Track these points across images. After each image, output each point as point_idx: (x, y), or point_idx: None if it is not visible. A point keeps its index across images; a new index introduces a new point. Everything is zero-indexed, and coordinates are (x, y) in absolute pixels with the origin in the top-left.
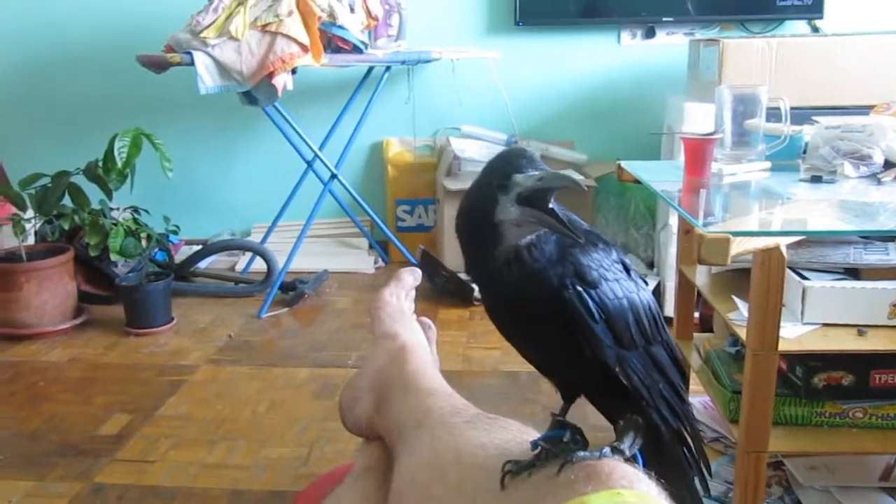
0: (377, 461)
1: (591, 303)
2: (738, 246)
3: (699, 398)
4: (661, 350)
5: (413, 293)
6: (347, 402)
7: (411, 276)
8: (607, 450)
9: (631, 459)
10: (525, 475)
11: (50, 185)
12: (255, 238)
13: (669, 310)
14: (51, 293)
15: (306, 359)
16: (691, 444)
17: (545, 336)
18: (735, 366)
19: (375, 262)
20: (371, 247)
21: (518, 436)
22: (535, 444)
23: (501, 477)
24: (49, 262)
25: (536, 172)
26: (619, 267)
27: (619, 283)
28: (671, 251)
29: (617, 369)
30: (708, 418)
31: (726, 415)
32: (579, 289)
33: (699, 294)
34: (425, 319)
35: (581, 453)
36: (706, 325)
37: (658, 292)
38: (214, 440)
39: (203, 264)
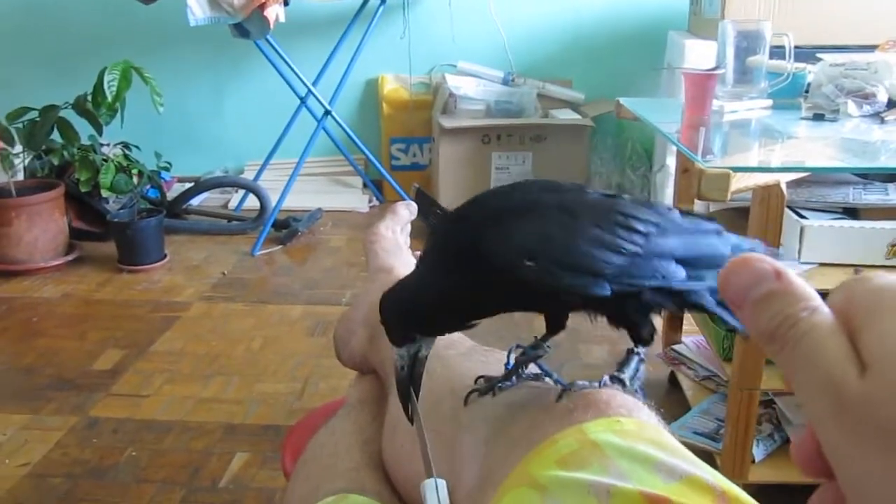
0: (371, 394)
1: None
2: (738, 182)
3: (692, 338)
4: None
5: (408, 227)
6: (342, 336)
7: (406, 210)
8: (606, 378)
9: (631, 390)
10: (521, 406)
11: (38, 119)
12: (248, 176)
13: None
14: (42, 229)
15: (300, 296)
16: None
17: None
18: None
19: (370, 201)
20: (365, 185)
21: None
22: (506, 366)
23: (466, 395)
24: (39, 197)
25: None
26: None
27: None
28: (668, 192)
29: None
30: (701, 357)
31: (720, 353)
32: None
33: None
34: (420, 254)
35: (580, 382)
36: None
37: None
38: (209, 375)
39: (195, 202)
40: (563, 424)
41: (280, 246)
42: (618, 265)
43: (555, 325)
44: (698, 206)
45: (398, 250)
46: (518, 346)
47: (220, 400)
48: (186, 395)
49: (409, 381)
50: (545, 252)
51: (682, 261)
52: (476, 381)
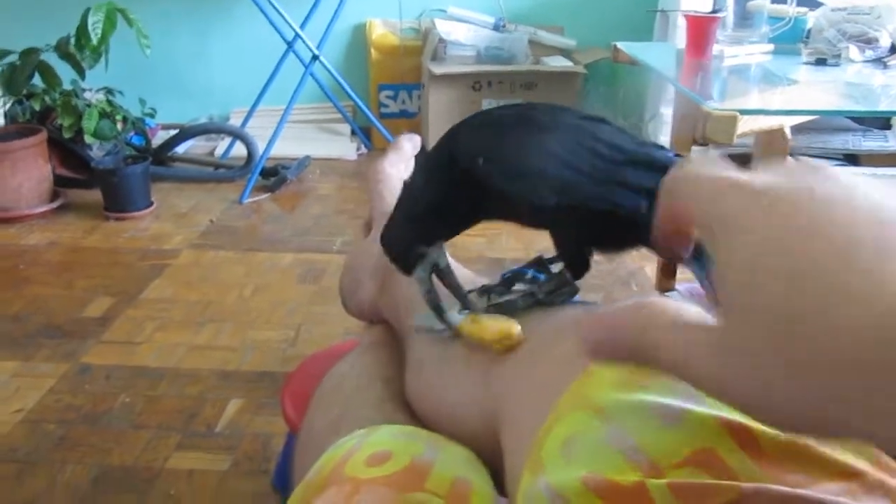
0: (384, 339)
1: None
2: (744, 125)
3: (686, 285)
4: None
5: (411, 163)
6: (348, 287)
7: (410, 144)
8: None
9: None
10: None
11: (18, 62)
12: (234, 123)
13: None
14: (25, 175)
15: (290, 244)
16: None
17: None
18: None
19: (358, 149)
20: (353, 133)
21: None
22: (502, 275)
23: (464, 298)
24: (21, 143)
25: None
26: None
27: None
28: (662, 140)
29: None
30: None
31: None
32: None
33: None
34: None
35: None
36: None
37: None
38: (201, 322)
39: (181, 149)
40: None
41: (268, 194)
42: (566, 179)
43: (562, 252)
44: (697, 151)
45: None
46: (517, 270)
47: (213, 347)
48: (179, 342)
49: (439, 300)
50: (500, 153)
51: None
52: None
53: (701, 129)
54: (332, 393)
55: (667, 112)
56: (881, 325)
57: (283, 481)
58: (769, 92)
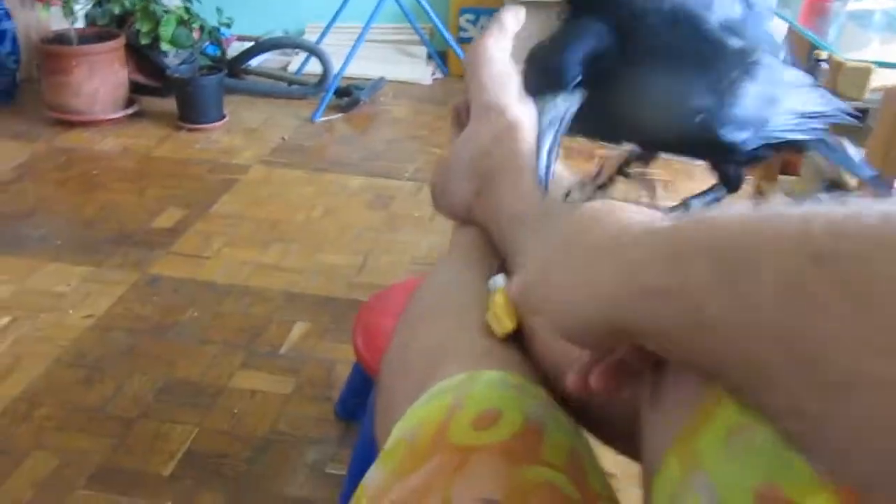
0: (478, 241)
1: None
2: (876, 79)
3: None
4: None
5: (511, 42)
6: (441, 185)
7: (514, 19)
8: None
9: None
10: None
11: None
12: (310, 38)
13: None
14: (102, 80)
15: (360, 167)
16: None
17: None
18: None
19: (433, 73)
20: (430, 56)
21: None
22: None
23: (565, 195)
24: (100, 46)
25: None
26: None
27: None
28: None
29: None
30: None
31: None
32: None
33: None
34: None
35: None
36: (785, 170)
37: None
38: (268, 241)
39: (255, 62)
40: None
41: (341, 114)
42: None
43: (646, 158)
44: None
45: (508, 79)
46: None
47: (280, 267)
48: (246, 260)
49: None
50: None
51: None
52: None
53: (831, 80)
54: (436, 309)
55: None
56: None
57: (347, 410)
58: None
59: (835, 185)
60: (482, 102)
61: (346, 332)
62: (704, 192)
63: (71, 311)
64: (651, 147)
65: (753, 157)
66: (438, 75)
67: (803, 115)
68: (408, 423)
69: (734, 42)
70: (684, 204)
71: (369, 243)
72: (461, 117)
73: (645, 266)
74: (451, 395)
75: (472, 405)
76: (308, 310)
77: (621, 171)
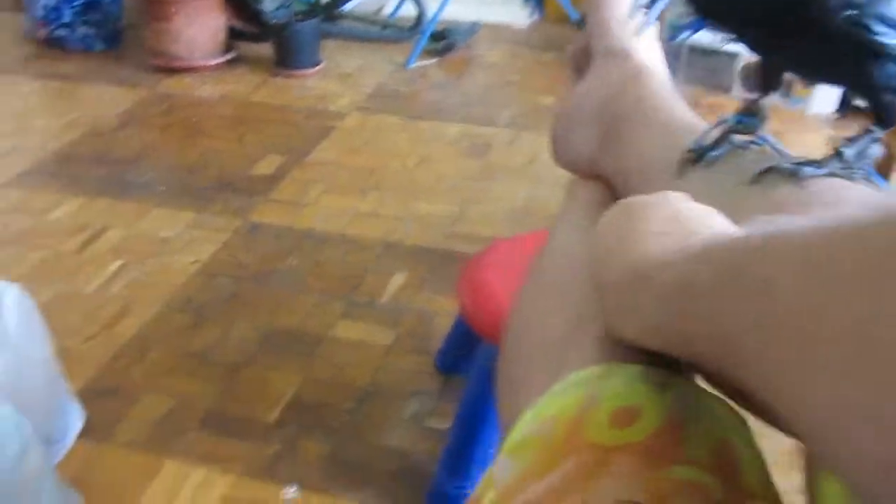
0: (602, 198)
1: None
2: None
3: None
4: None
5: None
6: (561, 134)
7: None
8: (833, 161)
9: (854, 170)
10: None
11: None
12: None
13: None
14: (200, 26)
15: (456, 114)
16: None
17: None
18: None
19: (530, 16)
20: None
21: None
22: (720, 122)
23: (678, 165)
24: None
25: None
26: None
27: None
28: None
29: None
30: None
31: None
32: (849, 13)
33: None
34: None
35: (786, 163)
36: None
37: None
38: (365, 189)
39: (349, 6)
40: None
41: (435, 59)
42: None
43: (771, 80)
44: None
45: (634, 23)
46: (740, 119)
47: (377, 215)
48: (344, 208)
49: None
50: None
51: None
52: (685, 154)
53: None
54: (563, 283)
55: None
56: None
57: (448, 364)
58: None
59: None
60: (606, 46)
61: (444, 282)
62: (856, 137)
63: (177, 257)
64: (781, 58)
65: None
66: (535, 18)
67: None
68: (539, 416)
69: None
70: (837, 154)
71: (465, 192)
72: (580, 63)
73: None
74: (586, 389)
75: (610, 401)
76: (405, 260)
77: (733, 130)
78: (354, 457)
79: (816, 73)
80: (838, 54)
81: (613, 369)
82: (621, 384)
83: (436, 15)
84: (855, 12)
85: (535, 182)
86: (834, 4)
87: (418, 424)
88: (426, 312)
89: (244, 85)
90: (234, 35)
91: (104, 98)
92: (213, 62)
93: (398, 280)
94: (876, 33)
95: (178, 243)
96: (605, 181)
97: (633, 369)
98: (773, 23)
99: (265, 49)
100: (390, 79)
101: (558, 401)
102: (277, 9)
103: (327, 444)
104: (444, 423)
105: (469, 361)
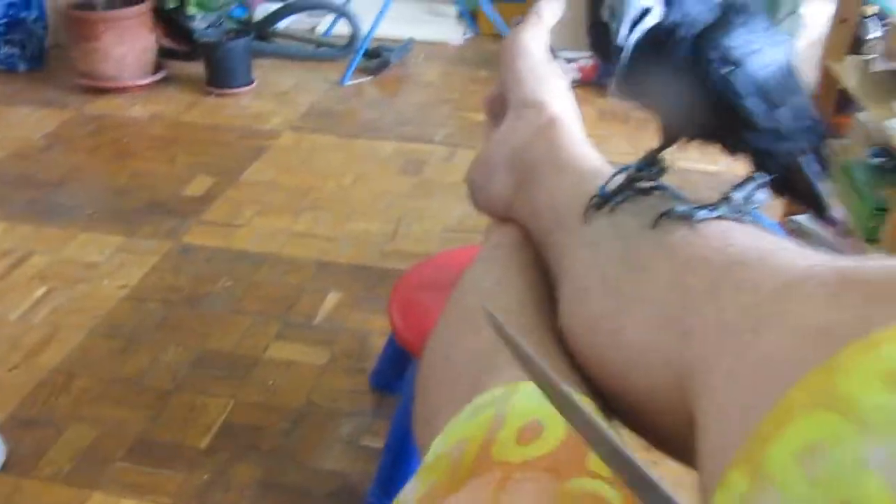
0: (519, 240)
1: (740, 82)
2: None
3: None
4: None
5: (548, 34)
6: (480, 179)
7: (551, 11)
8: (723, 205)
9: (741, 212)
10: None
11: None
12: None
13: None
14: (130, 45)
15: (391, 132)
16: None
17: (682, 98)
18: (877, 180)
19: (464, 33)
20: (460, 15)
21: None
22: (622, 169)
23: (584, 210)
24: (126, 12)
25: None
26: (761, 33)
27: (762, 52)
28: (798, 43)
29: (769, 126)
30: (828, 233)
31: (863, 232)
32: (726, 70)
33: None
34: (562, 63)
35: (681, 207)
36: (833, 133)
37: None
38: (300, 209)
39: (283, 24)
40: (884, 314)
41: (370, 77)
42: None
43: (669, 138)
44: (849, 67)
45: (547, 72)
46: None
47: (312, 235)
48: (278, 228)
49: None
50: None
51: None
52: (591, 200)
53: (889, 41)
54: (478, 315)
55: (806, 13)
56: None
57: (382, 382)
58: None
59: (884, 152)
60: (520, 97)
61: (379, 301)
62: (744, 183)
63: (105, 282)
64: (680, 123)
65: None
66: (469, 35)
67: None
68: (449, 440)
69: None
70: (727, 198)
71: (401, 210)
72: (496, 111)
73: None
74: (493, 410)
75: (515, 419)
76: (341, 279)
77: (636, 178)
78: (289, 480)
79: (704, 137)
80: (722, 123)
81: (517, 387)
82: (525, 401)
83: (370, 33)
84: (732, 68)
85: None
86: (715, 57)
87: (354, 444)
88: (361, 331)
89: (175, 105)
90: (164, 54)
91: (29, 119)
92: (143, 82)
93: (333, 299)
94: (744, 98)
95: (107, 268)
96: (521, 224)
97: (533, 386)
98: (677, 101)
99: (196, 68)
100: (325, 97)
101: (467, 424)
102: (208, 27)
103: (261, 469)
104: (379, 442)
105: (402, 379)
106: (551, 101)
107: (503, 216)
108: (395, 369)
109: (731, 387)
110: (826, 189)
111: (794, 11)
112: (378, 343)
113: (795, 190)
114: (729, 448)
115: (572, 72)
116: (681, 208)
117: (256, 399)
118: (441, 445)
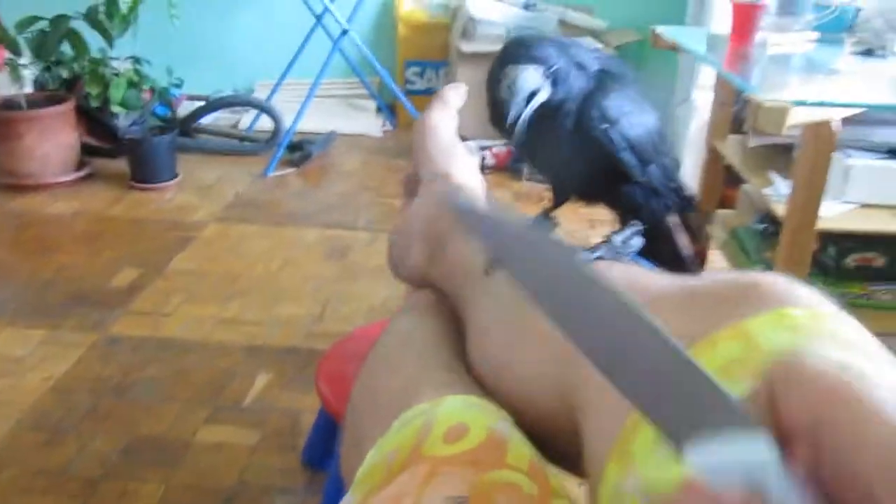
0: (434, 300)
1: (616, 137)
2: (793, 117)
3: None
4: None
5: (456, 114)
6: (398, 251)
7: (456, 95)
8: (603, 247)
9: (620, 253)
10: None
11: (48, 29)
12: (260, 95)
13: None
14: (53, 143)
15: (315, 219)
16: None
17: (570, 160)
18: (763, 244)
19: (383, 125)
20: (379, 109)
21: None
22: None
23: (485, 266)
24: (50, 111)
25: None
26: (632, 101)
27: (633, 114)
28: (691, 126)
29: (642, 179)
30: None
31: None
32: (605, 126)
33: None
34: (469, 144)
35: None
36: (723, 203)
37: None
38: (228, 296)
39: (206, 120)
40: (720, 318)
41: (293, 168)
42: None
43: (559, 199)
44: (731, 144)
45: (453, 149)
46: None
47: (240, 321)
48: (206, 316)
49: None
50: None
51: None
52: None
53: (751, 119)
54: (400, 353)
55: (698, 97)
56: None
57: (314, 458)
58: (814, 83)
59: (767, 218)
60: (430, 172)
61: (309, 381)
62: (623, 228)
63: (30, 375)
64: (566, 182)
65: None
66: (388, 127)
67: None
68: (382, 451)
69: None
70: (608, 241)
71: (328, 293)
72: (411, 187)
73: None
74: (422, 419)
75: (442, 423)
76: (270, 361)
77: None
78: None
79: (588, 195)
80: (603, 180)
81: (441, 401)
82: (452, 408)
83: (292, 126)
84: (608, 125)
85: (393, 280)
86: (595, 115)
87: None
88: (292, 410)
89: (99, 200)
90: (87, 151)
91: None
92: (67, 178)
93: (263, 381)
94: (620, 151)
95: (31, 361)
96: (437, 289)
97: (458, 398)
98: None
99: (120, 164)
100: (249, 189)
101: (398, 435)
102: (132, 125)
103: None
104: None
105: (333, 455)
106: (457, 173)
107: (420, 283)
108: (326, 444)
109: (603, 395)
110: (688, 249)
111: (686, 99)
112: (309, 420)
113: (660, 245)
114: (606, 448)
115: (479, 151)
116: None
117: (187, 482)
118: (374, 458)
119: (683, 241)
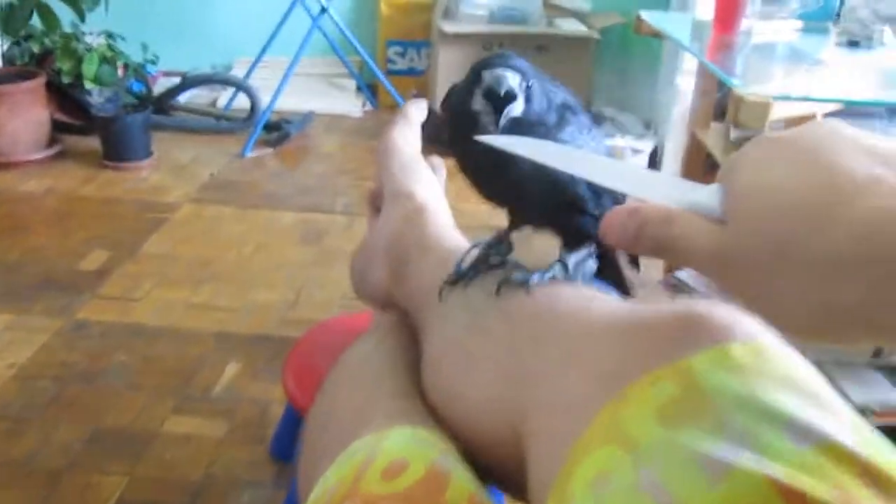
0: (400, 321)
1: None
2: (776, 112)
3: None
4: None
5: (419, 130)
6: (360, 271)
7: (417, 110)
8: (557, 267)
9: (571, 277)
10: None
11: (17, 2)
12: (238, 73)
13: (668, 172)
14: (23, 120)
15: (292, 202)
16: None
17: (525, 196)
18: None
19: (363, 105)
20: (359, 89)
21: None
22: (475, 245)
23: (439, 289)
24: (19, 86)
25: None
26: (585, 133)
27: (587, 147)
28: (674, 111)
29: (595, 212)
30: (707, 287)
31: None
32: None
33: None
34: (435, 159)
35: (518, 275)
36: None
37: (656, 155)
38: (200, 281)
39: (182, 98)
40: (660, 355)
41: (271, 149)
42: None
43: (515, 223)
44: (714, 133)
45: (417, 166)
46: (477, 245)
47: (212, 307)
48: (177, 300)
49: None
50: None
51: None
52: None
53: (732, 112)
54: (358, 374)
55: (682, 82)
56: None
57: (281, 450)
58: (800, 75)
59: None
60: (393, 189)
61: (279, 371)
62: (577, 250)
63: None
64: (520, 206)
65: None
66: (368, 108)
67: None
68: (326, 483)
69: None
70: (562, 263)
71: (302, 279)
72: (376, 204)
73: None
74: (364, 453)
75: (383, 458)
76: (241, 350)
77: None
78: None
79: (543, 222)
80: (556, 210)
81: (387, 433)
82: (393, 443)
83: (269, 105)
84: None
85: None
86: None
87: None
88: (261, 401)
89: (70, 179)
90: (60, 128)
91: None
92: (37, 156)
93: (232, 370)
94: (577, 185)
95: None
96: (400, 309)
97: (405, 430)
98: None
99: (93, 142)
100: (225, 169)
101: (340, 469)
102: (105, 101)
103: None
104: None
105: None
106: (419, 191)
107: (385, 303)
108: (294, 435)
109: (547, 427)
110: (632, 276)
111: (671, 82)
112: (278, 412)
113: (606, 269)
114: (548, 483)
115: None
116: (518, 276)
117: (153, 474)
118: (319, 489)
119: (628, 270)
